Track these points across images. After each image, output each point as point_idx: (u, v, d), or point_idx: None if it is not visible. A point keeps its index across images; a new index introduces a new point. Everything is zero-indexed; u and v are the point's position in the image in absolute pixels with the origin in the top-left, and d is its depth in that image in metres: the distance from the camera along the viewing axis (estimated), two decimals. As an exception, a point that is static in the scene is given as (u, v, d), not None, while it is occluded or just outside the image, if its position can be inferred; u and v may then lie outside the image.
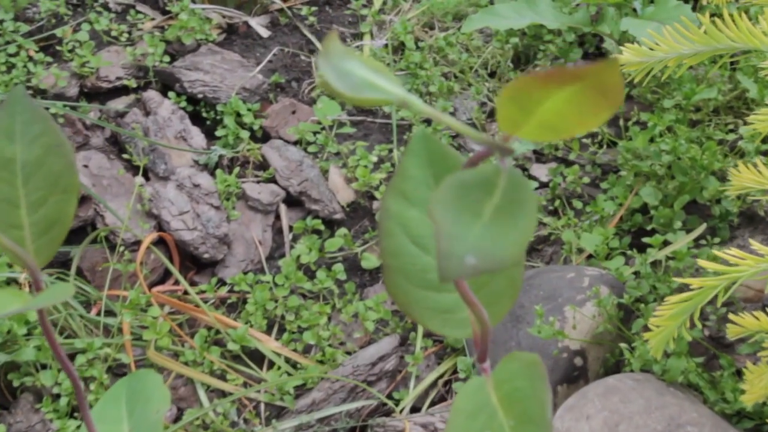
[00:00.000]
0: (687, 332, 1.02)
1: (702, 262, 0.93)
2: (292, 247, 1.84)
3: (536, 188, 1.87)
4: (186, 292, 1.77)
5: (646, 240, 1.65)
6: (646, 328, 1.49)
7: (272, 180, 1.92)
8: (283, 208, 1.89)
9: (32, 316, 1.63)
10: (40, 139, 0.64)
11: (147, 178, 1.90)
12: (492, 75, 2.07)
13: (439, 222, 0.44)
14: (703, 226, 1.66)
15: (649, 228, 1.72)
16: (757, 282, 1.65)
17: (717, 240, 1.62)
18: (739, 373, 1.49)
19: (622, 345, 1.47)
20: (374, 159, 1.92)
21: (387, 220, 0.61)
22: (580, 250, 1.71)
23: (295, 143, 1.97)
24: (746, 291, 1.64)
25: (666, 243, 1.67)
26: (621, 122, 1.88)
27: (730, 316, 1.20)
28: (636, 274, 1.61)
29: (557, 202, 1.82)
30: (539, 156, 1.93)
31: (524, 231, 0.44)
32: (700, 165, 1.69)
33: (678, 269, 1.58)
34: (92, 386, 1.62)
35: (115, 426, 0.75)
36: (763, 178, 1.08)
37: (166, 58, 2.09)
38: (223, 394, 1.65)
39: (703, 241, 1.65)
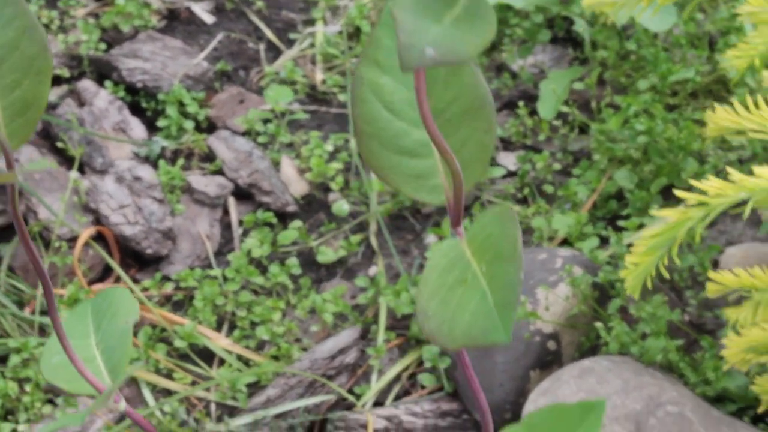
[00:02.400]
0: (664, 268, 1.11)
1: (678, 192, 1.02)
2: (242, 241, 1.93)
3: (503, 176, 1.98)
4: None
5: (621, 224, 1.76)
6: (623, 309, 1.60)
7: (219, 172, 2.01)
8: (231, 201, 1.98)
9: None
10: (14, 23, 0.73)
11: (83, 173, 1.98)
12: (455, 62, 2.17)
13: (399, 19, 0.53)
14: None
15: (624, 213, 1.82)
16: (741, 260, 1.76)
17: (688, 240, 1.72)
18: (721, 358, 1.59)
19: (598, 324, 1.57)
20: (329, 149, 2.01)
21: (360, 87, 0.71)
22: (551, 238, 1.81)
23: (244, 134, 2.06)
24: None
25: (642, 227, 1.77)
26: (593, 105, 1.99)
27: (710, 273, 1.31)
28: (611, 257, 1.71)
29: (526, 190, 1.92)
30: (507, 144, 2.04)
31: (483, 35, 0.54)
32: (677, 146, 1.80)
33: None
34: (27, 387, 1.70)
35: (81, 340, 0.83)
36: (740, 119, 1.18)
37: (102, 46, 2.18)
38: (170, 394, 1.72)
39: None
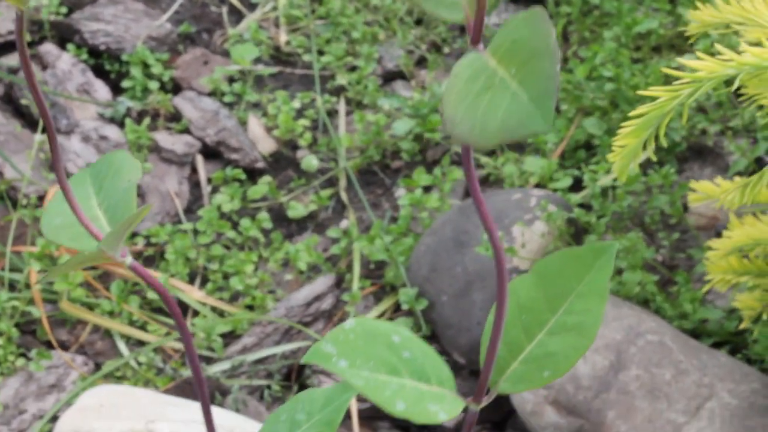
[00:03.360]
0: (651, 150, 1.11)
1: (667, 70, 1.04)
2: (211, 198, 1.93)
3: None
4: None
5: (593, 167, 1.78)
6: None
7: (186, 131, 2.01)
8: (199, 159, 1.99)
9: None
10: None
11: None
12: (418, 23, 2.19)
13: None
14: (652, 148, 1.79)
15: (593, 161, 1.84)
16: (708, 209, 1.79)
17: (664, 170, 1.74)
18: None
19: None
20: (296, 106, 2.02)
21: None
22: (524, 184, 1.83)
23: (209, 94, 2.07)
24: (698, 219, 1.78)
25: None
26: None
27: (691, 183, 1.33)
28: (583, 198, 1.73)
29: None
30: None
31: None
32: (645, 87, 1.82)
33: (627, 193, 1.71)
34: (0, 341, 1.69)
35: (83, 202, 0.81)
36: (723, 13, 1.20)
37: (63, 10, 2.17)
38: (144, 345, 1.72)
39: (650, 170, 1.78)
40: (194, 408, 1.35)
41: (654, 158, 1.08)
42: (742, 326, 1.42)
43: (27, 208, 1.84)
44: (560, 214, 1.62)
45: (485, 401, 0.76)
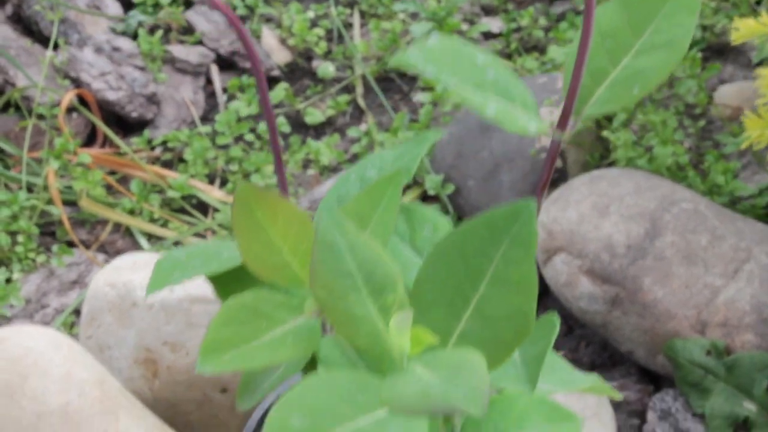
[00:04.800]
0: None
1: None
2: (227, 106, 1.92)
3: (486, 38, 1.99)
4: (117, 153, 1.83)
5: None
6: (628, 122, 1.61)
7: (200, 43, 2.00)
8: (214, 69, 1.98)
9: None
10: None
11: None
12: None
13: None
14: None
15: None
16: (734, 99, 1.79)
17: (691, 54, 1.74)
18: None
19: (605, 132, 1.58)
20: (311, 16, 2.02)
21: None
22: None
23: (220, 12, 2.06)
24: (723, 110, 1.78)
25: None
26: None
27: (735, 21, 1.34)
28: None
29: (513, 46, 1.94)
30: (488, 10, 2.06)
31: None
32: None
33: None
34: (20, 238, 1.68)
35: None
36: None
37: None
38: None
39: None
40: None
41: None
42: (744, 146, 1.42)
43: (43, 118, 1.83)
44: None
45: (569, 129, 0.76)
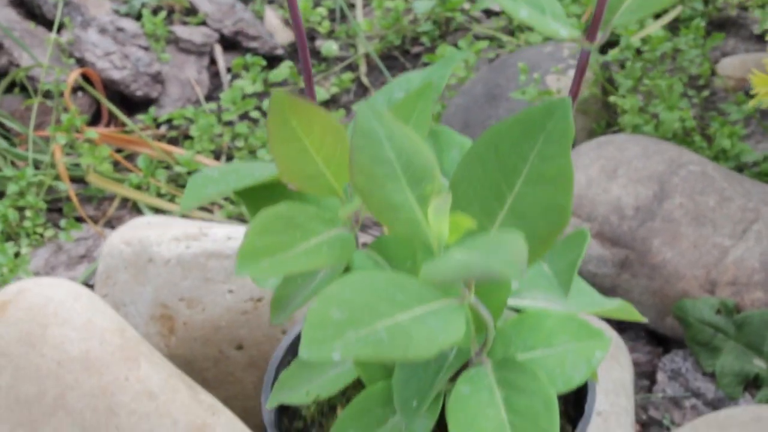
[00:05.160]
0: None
1: None
2: (231, 85, 1.93)
3: (489, 16, 2.01)
4: (123, 132, 1.84)
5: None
6: (634, 89, 1.63)
7: (203, 24, 2.01)
8: (218, 49, 1.99)
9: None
10: None
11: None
12: None
13: None
14: (679, 9, 1.80)
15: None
16: (736, 71, 1.81)
17: (694, 23, 1.76)
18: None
19: (612, 98, 1.59)
20: (313, -3, 2.03)
21: None
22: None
23: (225, -9, 2.07)
24: (726, 81, 1.79)
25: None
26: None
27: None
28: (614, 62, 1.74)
29: (516, 23, 1.95)
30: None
31: None
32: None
33: (655, 59, 1.72)
34: (28, 213, 1.68)
35: None
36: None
37: None
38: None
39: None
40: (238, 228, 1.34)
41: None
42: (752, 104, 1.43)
43: (48, 96, 1.83)
44: (596, 58, 1.62)
45: (599, 40, 0.77)
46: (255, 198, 0.79)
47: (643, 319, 0.86)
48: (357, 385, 0.84)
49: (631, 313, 0.86)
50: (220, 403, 1.15)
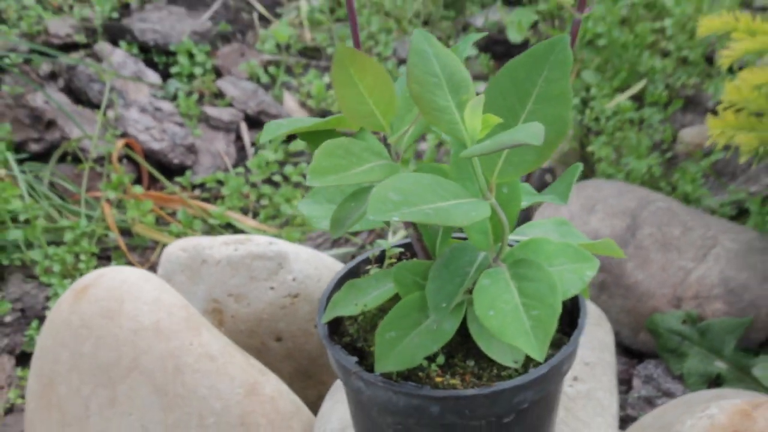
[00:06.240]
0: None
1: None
2: (257, 154, 2.11)
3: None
4: (162, 192, 2.01)
5: (593, 95, 1.97)
6: (608, 142, 1.81)
7: (230, 106, 2.20)
8: (243, 126, 2.17)
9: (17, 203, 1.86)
10: None
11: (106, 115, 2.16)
12: (425, 23, 2.41)
13: None
14: (644, 82, 2.00)
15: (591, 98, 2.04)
16: (695, 137, 1.99)
17: (658, 91, 1.94)
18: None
19: (590, 147, 1.77)
20: (327, 81, 2.22)
21: None
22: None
23: (248, 79, 2.27)
24: (687, 147, 1.98)
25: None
26: (556, 23, 2.23)
27: (700, 19, 1.53)
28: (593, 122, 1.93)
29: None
30: (477, 77, 2.26)
31: None
32: (633, 44, 2.04)
33: (625, 120, 1.91)
34: (82, 257, 1.84)
35: None
36: (733, 23, 1.43)
37: (115, 15, 2.38)
38: (209, 260, 1.87)
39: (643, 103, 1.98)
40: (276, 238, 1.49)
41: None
42: (741, 161, 1.60)
43: (97, 163, 2.01)
44: (575, 118, 1.80)
45: (590, 8, 0.94)
46: (314, 138, 0.96)
47: (623, 256, 1.02)
48: (394, 304, 0.99)
49: (612, 249, 1.02)
50: (266, 368, 1.29)
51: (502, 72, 0.85)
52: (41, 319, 1.73)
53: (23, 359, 1.69)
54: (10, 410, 1.60)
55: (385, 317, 0.96)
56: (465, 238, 1.00)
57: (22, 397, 1.59)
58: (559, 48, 0.84)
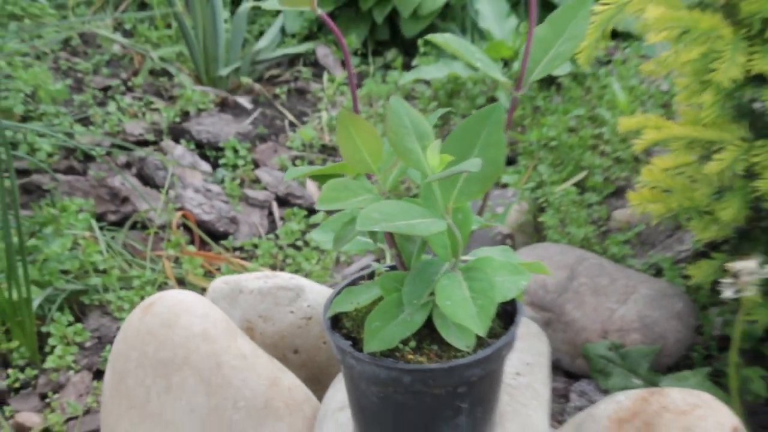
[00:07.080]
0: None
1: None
2: (284, 225, 2.24)
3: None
4: (210, 252, 2.13)
5: (546, 191, 2.10)
6: (555, 214, 1.93)
7: (264, 189, 2.34)
8: (274, 204, 2.30)
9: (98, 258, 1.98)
10: None
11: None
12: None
13: None
14: (585, 173, 2.12)
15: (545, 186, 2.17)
16: (625, 216, 2.11)
17: (596, 179, 2.07)
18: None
19: (542, 217, 1.90)
20: (340, 172, 2.36)
21: None
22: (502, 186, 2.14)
23: (279, 169, 2.40)
24: (618, 223, 2.10)
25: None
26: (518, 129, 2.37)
27: (620, 121, 1.66)
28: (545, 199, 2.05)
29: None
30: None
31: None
32: (578, 146, 2.17)
33: (570, 201, 2.03)
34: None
35: None
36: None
37: (177, 119, 2.52)
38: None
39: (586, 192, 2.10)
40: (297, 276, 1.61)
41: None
42: (653, 224, 1.71)
43: (160, 229, 2.13)
44: (531, 195, 1.93)
45: (523, 90, 1.07)
46: (324, 179, 1.09)
47: (550, 273, 1.14)
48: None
49: (541, 268, 1.14)
50: (285, 367, 1.40)
51: (458, 126, 0.98)
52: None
53: (98, 375, 1.80)
54: (87, 412, 1.70)
55: (372, 312, 1.08)
56: (434, 256, 1.12)
57: (98, 402, 1.70)
58: (496, 112, 0.97)
